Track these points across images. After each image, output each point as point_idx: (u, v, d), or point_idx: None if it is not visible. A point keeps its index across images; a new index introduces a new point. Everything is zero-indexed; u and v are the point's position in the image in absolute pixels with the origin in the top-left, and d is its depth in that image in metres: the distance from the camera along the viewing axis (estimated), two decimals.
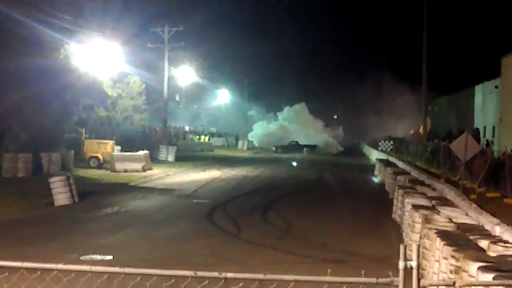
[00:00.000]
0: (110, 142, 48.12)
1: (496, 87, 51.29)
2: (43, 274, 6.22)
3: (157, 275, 5.87)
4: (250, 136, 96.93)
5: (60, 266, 5.87)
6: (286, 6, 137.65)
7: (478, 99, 60.15)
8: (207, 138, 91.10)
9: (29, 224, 23.53)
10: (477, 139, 37.61)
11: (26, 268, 5.88)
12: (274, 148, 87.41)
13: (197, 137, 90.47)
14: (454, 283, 6.61)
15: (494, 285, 8.29)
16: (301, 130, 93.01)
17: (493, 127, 52.23)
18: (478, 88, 59.87)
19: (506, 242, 12.53)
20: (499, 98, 50.36)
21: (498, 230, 15.55)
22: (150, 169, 46.31)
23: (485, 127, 54.76)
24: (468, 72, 71.06)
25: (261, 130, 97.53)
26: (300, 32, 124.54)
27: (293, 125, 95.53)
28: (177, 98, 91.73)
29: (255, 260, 17.09)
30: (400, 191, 23.78)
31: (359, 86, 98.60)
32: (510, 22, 75.18)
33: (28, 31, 37.56)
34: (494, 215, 18.33)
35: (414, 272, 5.46)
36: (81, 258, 16.50)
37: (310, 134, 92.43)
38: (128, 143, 51.90)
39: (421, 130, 57.55)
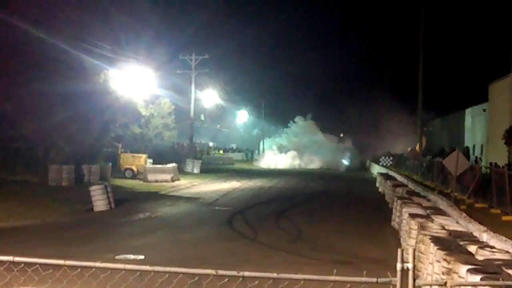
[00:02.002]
0: (143, 156, 48.29)
1: (484, 110, 51.14)
2: (83, 271, 6.24)
3: (182, 273, 5.87)
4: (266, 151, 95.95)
5: (98, 264, 5.89)
6: (298, 35, 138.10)
7: (468, 120, 59.92)
8: (221, 152, 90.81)
9: (72, 227, 23.61)
10: (467, 156, 37.41)
11: (68, 266, 5.90)
12: None
13: (220, 151, 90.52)
14: (446, 283, 6.57)
15: (482, 285, 8.24)
16: (315, 143, 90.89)
17: (481, 146, 52.00)
18: (468, 111, 59.66)
19: (492, 247, 12.45)
20: (486, 120, 50.19)
21: (485, 236, 15.47)
22: (178, 179, 46.36)
23: (474, 146, 54.49)
24: (459, 96, 70.78)
25: (269, 145, 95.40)
26: (310, 59, 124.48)
27: (305, 139, 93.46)
28: (202, 118, 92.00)
29: (269, 261, 17.06)
30: (399, 201, 23.69)
31: (361, 108, 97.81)
32: (496, 54, 75.05)
33: (72, 59, 37.86)
34: (481, 223, 18.24)
35: (410, 273, 5.43)
36: (116, 257, 16.51)
37: (324, 146, 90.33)
38: (159, 157, 52.06)
39: (417, 148, 57.38)
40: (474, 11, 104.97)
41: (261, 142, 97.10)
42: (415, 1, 57.47)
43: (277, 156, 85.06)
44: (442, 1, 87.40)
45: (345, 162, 63.06)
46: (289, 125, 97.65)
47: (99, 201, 28.07)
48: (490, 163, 33.44)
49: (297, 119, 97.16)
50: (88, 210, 27.75)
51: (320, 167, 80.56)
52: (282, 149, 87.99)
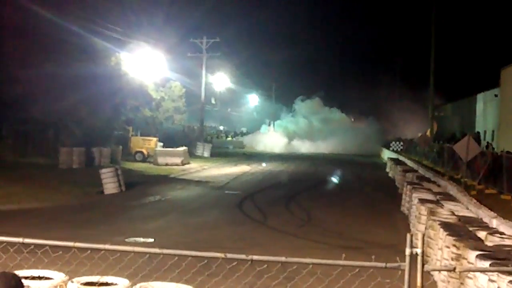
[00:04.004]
0: (154, 139, 48.36)
1: (496, 95, 50.85)
2: (92, 253, 6.26)
3: (192, 256, 5.88)
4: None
5: (107, 246, 5.91)
6: (309, 18, 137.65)
7: (479, 106, 59.63)
8: (229, 137, 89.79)
9: (82, 209, 23.72)
10: (478, 142, 37.28)
11: (78, 248, 5.93)
12: None
13: (229, 136, 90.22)
14: (455, 268, 6.56)
15: (491, 271, 8.23)
16: (330, 122, 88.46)
17: (493, 131, 51.75)
18: (480, 96, 59.34)
19: (502, 233, 12.43)
20: (498, 106, 49.93)
21: (495, 222, 15.45)
22: (188, 163, 46.43)
23: (485, 131, 54.25)
24: (471, 81, 70.32)
25: (277, 128, 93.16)
26: (320, 42, 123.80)
27: (315, 119, 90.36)
28: (213, 101, 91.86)
29: (278, 245, 17.10)
30: (409, 186, 23.66)
31: (372, 92, 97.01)
32: (509, 38, 74.68)
33: (84, 41, 37.93)
34: (491, 209, 18.21)
35: (419, 258, 5.42)
36: (126, 240, 16.57)
37: (341, 126, 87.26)
38: (169, 140, 52.12)
39: (428, 133, 57.18)
40: None
41: (264, 125, 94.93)
42: None
43: (274, 138, 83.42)
44: None
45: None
46: (292, 108, 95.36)
47: (110, 184, 28.17)
48: (492, 150, 33.28)
49: (298, 102, 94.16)
50: (99, 193, 27.87)
51: (330, 151, 78.73)
52: (288, 133, 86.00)
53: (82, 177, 31.91)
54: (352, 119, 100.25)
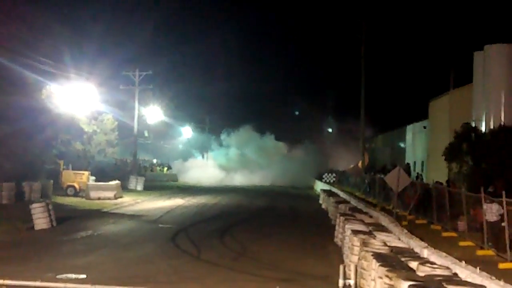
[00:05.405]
0: (86, 173, 47.59)
1: (424, 127, 52.13)
2: None
3: None
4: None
5: (38, 283, 5.83)
6: (241, 51, 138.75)
7: (409, 137, 60.93)
8: (165, 169, 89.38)
9: (11, 246, 23.20)
10: (408, 173, 38.10)
11: (7, 285, 5.81)
12: None
13: (164, 168, 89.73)
14: None
15: None
16: (263, 151, 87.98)
17: (422, 162, 52.90)
18: (409, 128, 60.67)
19: (433, 263, 12.67)
20: (427, 137, 51.14)
21: (426, 252, 15.75)
22: (121, 197, 45.85)
23: (415, 162, 55.40)
24: (401, 114, 71.98)
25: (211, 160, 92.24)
26: (253, 76, 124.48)
27: (249, 151, 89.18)
28: (146, 134, 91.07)
29: (213, 278, 17.01)
30: (341, 218, 23.91)
31: (304, 125, 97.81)
32: (436, 72, 77.26)
33: (13, 74, 37.30)
34: (422, 239, 18.58)
35: None
36: (58, 276, 16.21)
37: (275, 155, 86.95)
38: (101, 174, 51.36)
39: (359, 164, 58.10)
40: (415, 31, 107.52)
41: (191, 159, 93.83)
42: (356, 24, 58.28)
43: (208, 170, 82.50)
44: (382, 22, 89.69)
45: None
46: (221, 141, 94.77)
47: (40, 219, 27.61)
48: (416, 179, 34.03)
49: (224, 136, 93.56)
50: (29, 229, 27.27)
51: (265, 183, 78.25)
52: (220, 165, 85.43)
53: (12, 212, 31.21)
54: (286, 151, 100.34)
